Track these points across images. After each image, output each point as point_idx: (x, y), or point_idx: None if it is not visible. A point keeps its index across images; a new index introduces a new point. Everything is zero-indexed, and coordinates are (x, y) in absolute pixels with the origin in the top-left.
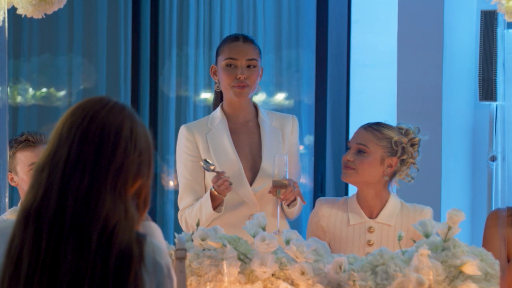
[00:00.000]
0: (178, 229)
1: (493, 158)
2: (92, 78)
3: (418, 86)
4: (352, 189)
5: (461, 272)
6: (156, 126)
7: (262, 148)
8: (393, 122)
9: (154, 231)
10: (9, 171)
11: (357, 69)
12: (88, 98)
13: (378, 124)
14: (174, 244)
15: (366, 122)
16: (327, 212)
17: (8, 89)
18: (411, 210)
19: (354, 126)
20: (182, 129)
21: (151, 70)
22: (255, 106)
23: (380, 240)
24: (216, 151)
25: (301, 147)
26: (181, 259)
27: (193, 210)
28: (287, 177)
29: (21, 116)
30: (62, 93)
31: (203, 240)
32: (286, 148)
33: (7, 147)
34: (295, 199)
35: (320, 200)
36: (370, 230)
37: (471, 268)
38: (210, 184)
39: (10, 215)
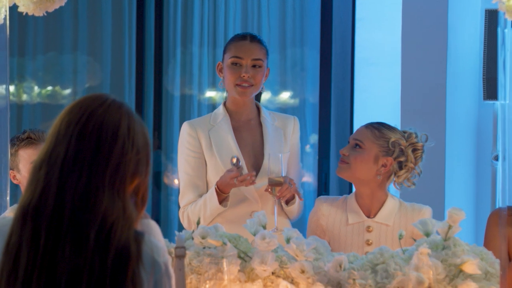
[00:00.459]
0: (182, 228)
1: (497, 158)
2: (97, 77)
3: (422, 85)
4: None
5: (461, 271)
6: (160, 124)
7: (264, 146)
8: (397, 120)
9: (152, 229)
10: (11, 169)
11: (361, 67)
12: (86, 96)
13: (380, 124)
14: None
15: (371, 121)
16: (327, 211)
17: (14, 87)
18: (409, 209)
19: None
20: (185, 126)
21: (155, 69)
22: (257, 106)
23: (378, 239)
24: (218, 147)
25: (307, 147)
26: (180, 257)
27: (196, 206)
28: (283, 175)
29: (26, 114)
30: (67, 91)
31: (203, 238)
32: (288, 147)
33: (8, 145)
34: (293, 198)
35: (320, 198)
36: (368, 229)
37: (471, 267)
38: (212, 180)
39: (11, 213)
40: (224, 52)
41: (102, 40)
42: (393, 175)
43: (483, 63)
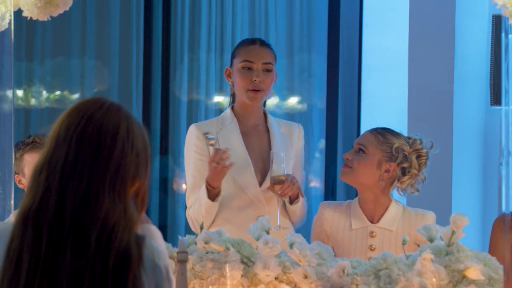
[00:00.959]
0: (189, 232)
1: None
2: (105, 81)
3: (429, 90)
4: None
5: (464, 276)
6: (167, 129)
7: (272, 150)
8: (404, 126)
9: (154, 234)
10: (17, 173)
11: (368, 73)
12: (84, 100)
13: (385, 129)
14: None
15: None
16: (330, 216)
17: (22, 91)
18: (413, 215)
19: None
20: (192, 128)
21: (162, 74)
22: (264, 112)
23: (382, 245)
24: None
25: (316, 153)
26: (182, 261)
27: (195, 205)
28: (285, 173)
29: (33, 118)
30: (75, 96)
31: (206, 243)
32: (293, 154)
33: (12, 149)
34: (297, 197)
35: (324, 204)
36: (372, 234)
37: (474, 272)
38: (225, 178)
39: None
40: (233, 57)
41: (109, 45)
42: (396, 181)
43: (490, 68)
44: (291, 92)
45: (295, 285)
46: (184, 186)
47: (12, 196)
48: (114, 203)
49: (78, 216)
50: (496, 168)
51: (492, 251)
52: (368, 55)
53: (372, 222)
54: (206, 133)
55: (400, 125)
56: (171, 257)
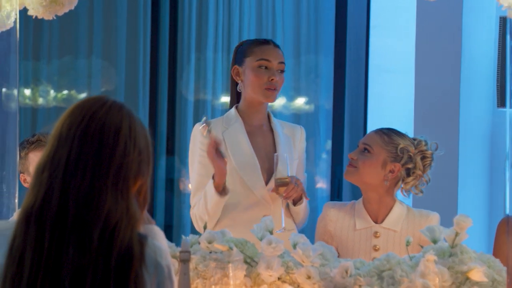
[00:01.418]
0: (195, 232)
1: None
2: (112, 81)
3: (436, 92)
4: None
5: (467, 278)
6: (174, 129)
7: (277, 151)
8: (410, 127)
9: (156, 234)
10: (22, 172)
11: (375, 74)
12: (86, 98)
13: (390, 129)
14: None
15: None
16: (334, 217)
17: (30, 90)
18: (417, 215)
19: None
20: (198, 128)
21: (169, 74)
22: (267, 113)
23: (386, 245)
24: (233, 149)
25: (323, 154)
26: (185, 261)
27: (200, 202)
28: (289, 174)
29: (40, 117)
30: (82, 95)
31: (209, 242)
32: (297, 155)
33: (17, 148)
34: (301, 198)
35: (328, 204)
36: (376, 235)
37: (477, 274)
38: (232, 177)
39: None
40: (244, 55)
41: (117, 45)
42: (400, 182)
43: (497, 70)
44: (298, 93)
45: (298, 286)
46: (190, 186)
47: (17, 194)
48: (116, 201)
49: (80, 214)
50: (503, 170)
51: (496, 253)
52: (375, 56)
53: (376, 222)
54: (206, 119)
55: (406, 126)
56: (174, 257)
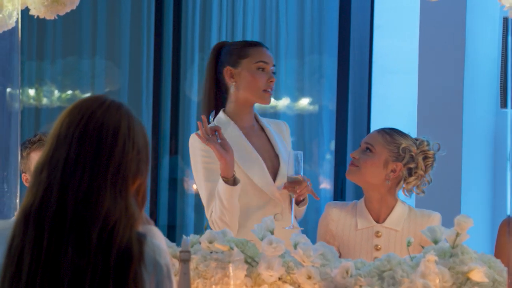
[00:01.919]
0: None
1: None
2: (115, 81)
3: (439, 92)
4: None
5: (468, 278)
6: (177, 129)
7: (275, 148)
8: (413, 127)
9: (155, 234)
10: (24, 172)
11: (379, 75)
12: (85, 98)
13: (392, 129)
14: None
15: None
16: (336, 216)
17: (33, 90)
18: (418, 215)
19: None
20: (195, 137)
21: (173, 74)
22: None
23: (387, 245)
24: (238, 153)
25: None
26: (185, 261)
27: (216, 206)
28: (302, 174)
29: (44, 117)
30: (86, 95)
31: (210, 242)
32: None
33: (18, 147)
34: (305, 199)
35: (330, 204)
36: (377, 234)
37: (478, 274)
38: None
39: None
40: (240, 57)
41: (120, 45)
42: (402, 181)
43: (500, 71)
44: (302, 93)
45: (299, 286)
46: (194, 186)
47: (18, 194)
48: (115, 201)
49: (79, 213)
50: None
51: (498, 253)
52: (379, 56)
53: (377, 222)
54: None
55: (409, 126)
56: (175, 257)
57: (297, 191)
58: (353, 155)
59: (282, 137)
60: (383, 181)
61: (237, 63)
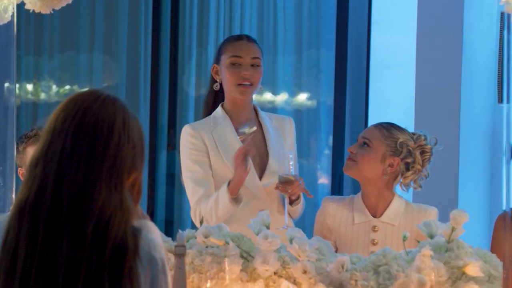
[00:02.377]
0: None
1: None
2: (113, 76)
3: (437, 87)
4: None
5: (464, 273)
6: (175, 124)
7: (267, 145)
8: (411, 122)
9: (150, 228)
10: (20, 166)
11: (376, 70)
12: (80, 92)
13: (390, 124)
14: None
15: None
16: (333, 211)
17: (31, 85)
18: (415, 210)
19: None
20: (186, 129)
21: (170, 69)
22: (254, 107)
23: (384, 239)
24: (224, 147)
25: (324, 150)
26: (180, 255)
27: (208, 205)
28: (293, 173)
29: (42, 112)
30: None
31: (206, 237)
32: (288, 147)
33: (14, 142)
34: (298, 198)
35: (326, 198)
36: (374, 229)
37: (473, 269)
38: (218, 181)
39: None
40: (220, 54)
41: (118, 40)
42: (400, 176)
43: (498, 65)
44: (299, 88)
45: (294, 280)
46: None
47: (14, 189)
48: (110, 195)
49: (74, 207)
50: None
51: (494, 248)
52: (377, 51)
53: (374, 216)
54: (243, 131)
55: (407, 121)
56: (170, 251)
57: (289, 191)
58: (351, 150)
59: (281, 133)
60: (380, 176)
61: (218, 60)
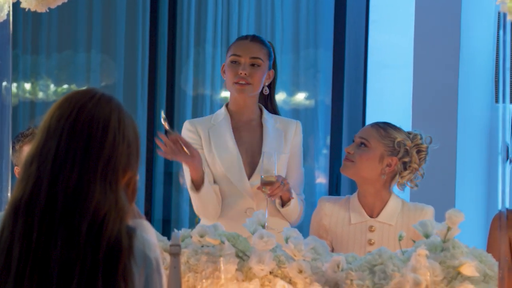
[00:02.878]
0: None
1: (511, 160)
2: (111, 75)
3: (434, 87)
4: None
5: (459, 273)
6: (172, 124)
7: (262, 145)
8: (408, 122)
9: (145, 227)
10: (16, 165)
11: (374, 69)
12: (75, 91)
13: (386, 123)
14: None
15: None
16: (329, 211)
17: (29, 84)
18: (412, 209)
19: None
20: (186, 124)
21: (168, 68)
22: (260, 107)
23: (381, 239)
24: (217, 144)
25: (321, 149)
26: (175, 255)
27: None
28: (276, 174)
29: (40, 111)
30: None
31: (201, 236)
32: (287, 149)
33: (10, 140)
34: (289, 200)
35: (323, 198)
36: (371, 229)
37: (469, 269)
38: (217, 172)
39: None
40: (227, 52)
41: (116, 39)
42: (397, 175)
43: (495, 66)
44: (297, 88)
45: (290, 280)
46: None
47: (9, 188)
48: (105, 194)
49: (69, 206)
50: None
51: (490, 248)
52: (374, 51)
53: (371, 216)
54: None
55: (405, 121)
56: (166, 251)
57: (268, 192)
58: (348, 150)
59: (283, 135)
60: (378, 176)
61: (226, 59)
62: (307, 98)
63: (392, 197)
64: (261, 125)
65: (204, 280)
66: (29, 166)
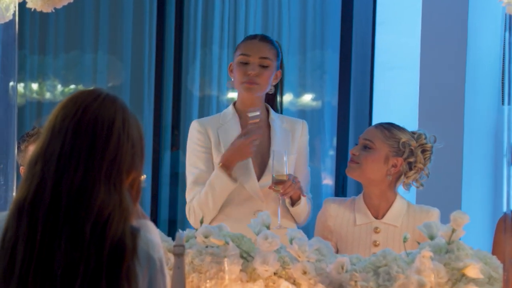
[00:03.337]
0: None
1: None
2: (118, 76)
3: (440, 89)
4: None
5: (464, 275)
6: (179, 124)
7: (271, 146)
8: (415, 123)
9: (149, 228)
10: (22, 165)
11: (381, 70)
12: (80, 91)
13: (390, 124)
14: None
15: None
16: (334, 212)
17: (36, 85)
18: (417, 211)
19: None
20: (194, 123)
21: (175, 69)
22: (267, 107)
23: (386, 240)
24: (226, 145)
25: (328, 151)
26: (179, 255)
27: (201, 194)
28: (286, 172)
29: (47, 111)
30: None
31: (206, 237)
32: (295, 149)
33: (15, 140)
34: (299, 198)
35: (328, 200)
36: (376, 230)
37: (473, 271)
38: None
39: None
40: (235, 51)
41: (122, 40)
42: (403, 176)
43: (502, 67)
44: (304, 89)
45: (294, 281)
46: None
47: (14, 187)
48: (109, 194)
49: (73, 206)
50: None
51: (495, 250)
52: (381, 52)
53: (376, 218)
54: (251, 113)
55: (411, 122)
56: (170, 251)
57: (280, 191)
58: (353, 152)
59: (290, 135)
60: (384, 177)
61: (233, 58)
62: (313, 99)
63: (397, 199)
64: (268, 125)
65: (208, 281)
66: (34, 166)
